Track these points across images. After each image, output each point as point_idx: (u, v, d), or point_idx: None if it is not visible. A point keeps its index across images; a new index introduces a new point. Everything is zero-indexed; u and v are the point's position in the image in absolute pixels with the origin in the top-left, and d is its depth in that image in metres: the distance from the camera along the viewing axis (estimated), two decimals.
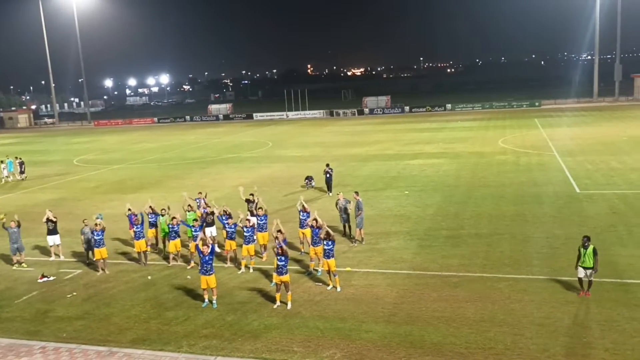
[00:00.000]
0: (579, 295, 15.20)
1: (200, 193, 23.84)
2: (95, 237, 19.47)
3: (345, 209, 21.59)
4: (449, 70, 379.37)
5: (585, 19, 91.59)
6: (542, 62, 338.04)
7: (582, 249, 15.13)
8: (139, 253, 20.43)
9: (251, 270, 18.90)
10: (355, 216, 21.14)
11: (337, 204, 22.07)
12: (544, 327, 13.65)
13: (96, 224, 19.66)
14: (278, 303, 15.84)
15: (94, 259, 19.96)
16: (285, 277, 15.70)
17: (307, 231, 19.11)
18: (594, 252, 15.01)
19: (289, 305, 15.67)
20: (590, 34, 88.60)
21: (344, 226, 22.02)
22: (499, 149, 43.53)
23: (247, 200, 22.59)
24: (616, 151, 38.67)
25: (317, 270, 18.21)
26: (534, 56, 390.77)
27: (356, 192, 22.05)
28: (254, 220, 20.03)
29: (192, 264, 19.72)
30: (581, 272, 15.21)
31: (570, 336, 13.15)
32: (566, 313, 14.32)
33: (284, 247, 16.08)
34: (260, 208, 20.34)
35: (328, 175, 29.91)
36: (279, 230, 17.73)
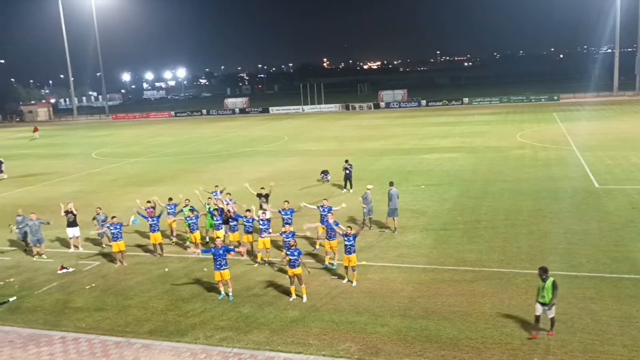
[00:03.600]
0: (532, 337, 12.87)
1: (217, 187, 24.03)
2: (112, 231, 19.68)
3: (370, 202, 21.92)
4: (466, 63, 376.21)
5: (606, 11, 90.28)
6: (561, 56, 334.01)
7: (540, 282, 12.92)
8: (154, 245, 20.67)
9: (267, 264, 18.99)
10: (393, 207, 21.56)
11: (364, 194, 22.24)
12: (562, 323, 13.51)
13: (113, 217, 19.89)
14: (293, 296, 15.91)
15: (112, 252, 20.18)
16: (298, 270, 15.74)
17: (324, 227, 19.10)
18: (554, 285, 12.76)
19: (305, 299, 15.73)
20: (610, 26, 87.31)
21: (365, 219, 22.27)
22: (516, 143, 43.13)
23: (259, 195, 22.66)
24: (636, 146, 38.08)
25: (332, 264, 18.21)
26: (552, 49, 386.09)
27: (391, 183, 22.44)
28: (269, 213, 20.03)
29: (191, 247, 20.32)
30: (539, 309, 12.88)
31: (588, 332, 13.03)
32: (584, 309, 14.18)
33: (294, 240, 16.18)
34: (286, 201, 20.31)
35: (348, 172, 29.58)
36: (288, 224, 17.87)
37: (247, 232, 19.64)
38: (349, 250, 16.63)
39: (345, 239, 16.70)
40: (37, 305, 16.74)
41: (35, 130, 75.26)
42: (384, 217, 22.40)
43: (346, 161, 30.19)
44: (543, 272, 12.86)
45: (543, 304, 12.81)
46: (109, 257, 20.74)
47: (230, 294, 16.30)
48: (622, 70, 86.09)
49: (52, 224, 22.05)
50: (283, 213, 19.73)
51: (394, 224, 21.79)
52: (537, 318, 12.99)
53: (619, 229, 20.49)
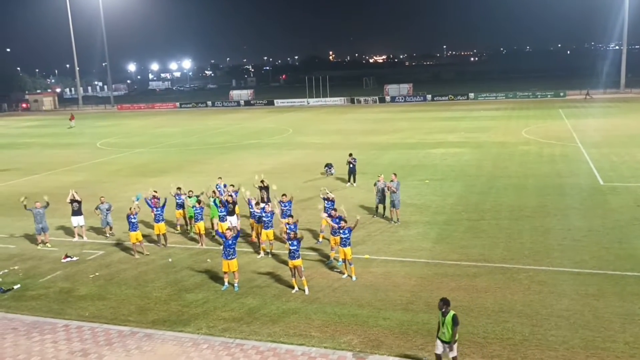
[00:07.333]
0: None
1: (220, 179, 24.07)
2: (131, 220, 19.65)
3: (383, 191, 22.50)
4: (472, 58, 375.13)
5: (614, 8, 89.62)
6: (568, 52, 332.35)
7: (440, 317, 11.30)
8: (158, 235, 20.73)
9: (270, 256, 19.04)
10: (392, 198, 22.06)
11: (375, 184, 22.83)
12: (564, 319, 13.55)
13: (130, 208, 19.88)
14: (296, 288, 15.95)
15: (130, 242, 20.04)
16: (297, 262, 15.79)
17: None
18: (454, 320, 11.04)
19: (307, 291, 15.77)
20: (618, 23, 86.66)
21: (377, 207, 22.97)
22: (522, 139, 42.99)
23: (260, 187, 22.74)
24: None
25: (337, 260, 18.10)
26: (559, 45, 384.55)
27: (394, 174, 22.89)
28: (272, 205, 20.07)
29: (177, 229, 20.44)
30: (439, 347, 11.28)
31: (590, 329, 13.03)
32: (586, 306, 14.19)
33: (296, 231, 16.19)
34: (284, 195, 20.34)
35: (352, 166, 29.56)
36: (290, 215, 17.88)
37: (257, 223, 19.69)
38: (344, 243, 16.63)
39: (340, 232, 16.71)
40: (41, 294, 16.85)
41: (72, 118, 73.54)
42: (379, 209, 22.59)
43: (350, 154, 30.13)
44: (443, 304, 11.14)
45: (444, 342, 11.20)
46: (113, 246, 20.82)
47: (236, 284, 16.35)
48: (629, 67, 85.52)
49: (50, 204, 21.96)
50: (282, 205, 19.82)
51: (393, 215, 22.23)
52: (438, 357, 11.38)
53: (623, 226, 20.44)
